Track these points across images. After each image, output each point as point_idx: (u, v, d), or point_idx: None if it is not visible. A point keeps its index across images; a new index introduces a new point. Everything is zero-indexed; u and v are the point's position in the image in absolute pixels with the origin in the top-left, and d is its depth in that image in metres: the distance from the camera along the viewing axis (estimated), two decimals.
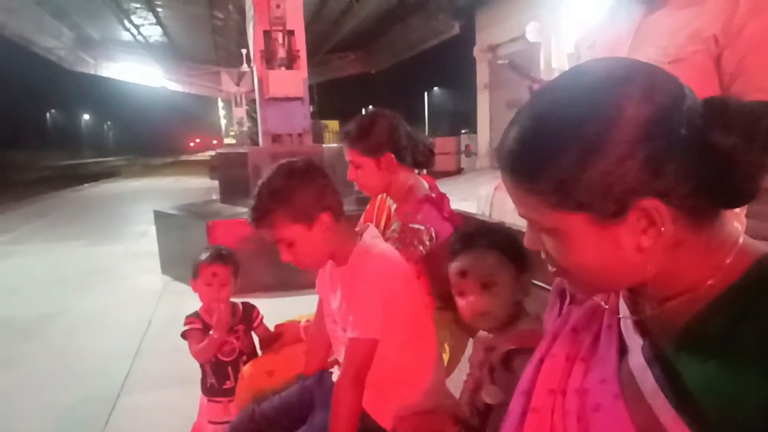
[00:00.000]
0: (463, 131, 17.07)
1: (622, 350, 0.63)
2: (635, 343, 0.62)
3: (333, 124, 20.50)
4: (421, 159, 1.75)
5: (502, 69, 13.41)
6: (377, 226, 1.76)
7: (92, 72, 18.89)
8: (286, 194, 1.26)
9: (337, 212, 1.32)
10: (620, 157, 0.53)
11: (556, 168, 0.56)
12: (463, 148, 16.18)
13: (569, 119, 0.56)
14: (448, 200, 1.77)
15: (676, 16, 1.22)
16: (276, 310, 4.10)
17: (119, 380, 2.83)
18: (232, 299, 1.90)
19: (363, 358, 1.25)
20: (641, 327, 0.63)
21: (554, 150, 0.56)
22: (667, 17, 1.24)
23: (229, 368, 1.82)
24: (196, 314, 1.88)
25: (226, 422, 1.72)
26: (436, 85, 37.60)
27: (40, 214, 10.96)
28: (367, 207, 1.94)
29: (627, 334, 0.64)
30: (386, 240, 1.62)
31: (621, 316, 0.66)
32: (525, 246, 0.66)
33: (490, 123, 14.39)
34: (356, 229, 1.44)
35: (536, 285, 1.35)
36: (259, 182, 1.29)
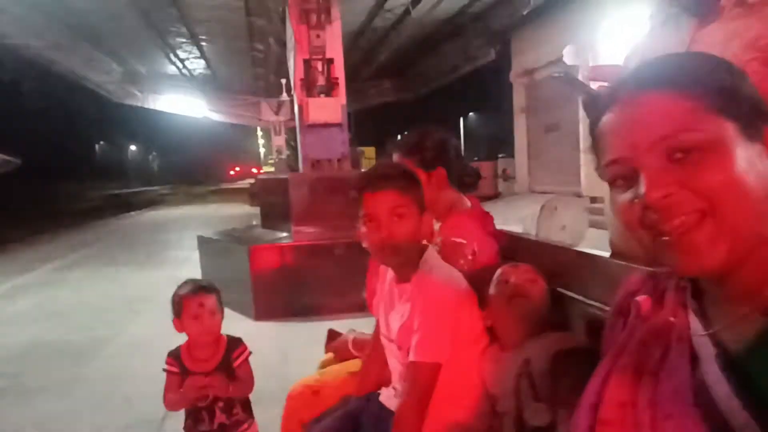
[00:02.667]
0: (499, 156, 16.98)
1: (693, 362, 0.63)
2: (707, 353, 0.62)
3: (369, 151, 20.70)
4: (468, 181, 1.74)
5: (539, 92, 13.35)
6: None
7: (139, 104, 19.67)
8: (418, 180, 1.39)
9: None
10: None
11: (719, 75, 0.61)
12: (500, 172, 16.07)
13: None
14: (492, 218, 1.75)
15: (729, 27, 1.20)
16: (316, 333, 4.12)
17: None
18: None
19: (427, 381, 1.25)
20: (713, 339, 0.63)
21: (716, 62, 0.62)
22: (720, 30, 1.22)
23: (204, 412, 1.69)
24: (176, 353, 1.73)
25: None
26: (471, 110, 37.61)
27: (88, 242, 11.38)
28: None
29: (698, 345, 0.64)
30: None
31: (692, 330, 0.66)
32: (651, 194, 0.59)
33: (527, 147, 14.26)
34: None
35: (581, 301, 1.32)
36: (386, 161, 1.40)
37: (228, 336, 1.77)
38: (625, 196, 0.64)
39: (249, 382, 1.73)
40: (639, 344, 0.70)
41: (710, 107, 0.58)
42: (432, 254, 1.41)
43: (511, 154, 15.58)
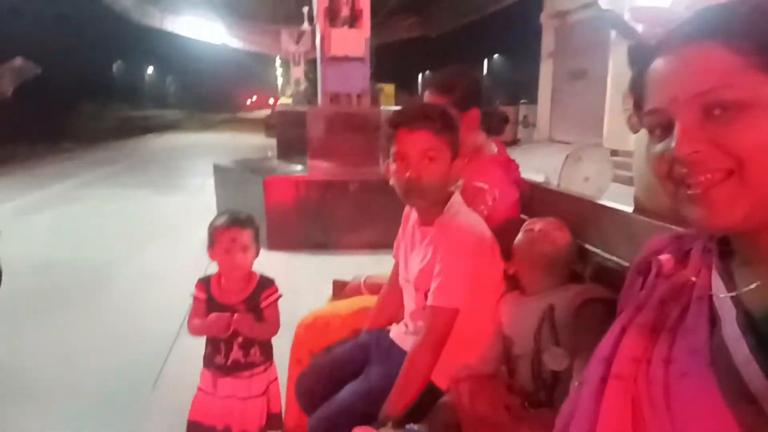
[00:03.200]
0: (522, 101, 16.56)
1: (713, 323, 0.63)
2: (728, 314, 0.61)
3: (388, 88, 20.25)
4: (496, 125, 1.69)
5: (570, 36, 12.83)
6: None
7: (157, 25, 19.28)
8: (452, 121, 1.33)
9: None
10: None
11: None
12: (521, 118, 15.73)
13: None
14: (517, 165, 1.72)
15: None
16: (327, 267, 4.19)
17: (177, 323, 2.96)
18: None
19: (444, 326, 1.26)
20: (735, 301, 0.62)
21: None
22: None
23: (222, 344, 1.67)
24: (206, 281, 1.71)
25: (213, 395, 1.67)
26: (496, 52, 36.46)
27: (105, 163, 11.48)
28: None
29: (720, 306, 0.63)
30: None
31: (714, 291, 0.65)
32: (681, 147, 0.59)
33: (551, 94, 13.89)
34: None
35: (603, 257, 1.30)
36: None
37: (261, 275, 1.72)
38: (659, 147, 0.64)
39: (274, 325, 1.68)
40: (658, 302, 0.71)
41: (757, 64, 0.56)
42: (458, 200, 1.39)
43: (533, 101, 15.21)
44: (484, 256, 1.31)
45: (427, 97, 1.65)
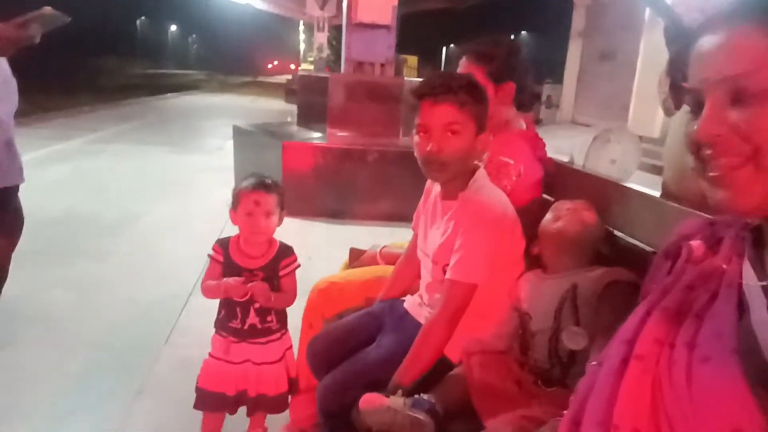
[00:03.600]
0: (546, 81, 16.25)
1: (741, 310, 0.62)
2: (758, 302, 0.61)
3: (412, 60, 19.98)
4: (525, 101, 1.65)
5: (601, 15, 12.49)
6: None
7: None
8: (479, 95, 1.30)
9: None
10: None
11: None
12: (544, 98, 15.45)
13: None
14: (543, 144, 1.69)
15: None
16: (341, 235, 4.20)
17: (191, 281, 3.00)
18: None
19: (461, 301, 1.26)
20: (765, 290, 0.62)
21: None
22: None
23: (238, 309, 1.64)
24: (224, 243, 1.67)
25: (226, 361, 1.63)
26: (523, 29, 35.69)
27: (126, 118, 11.53)
28: None
29: (749, 294, 0.63)
30: None
31: (745, 279, 0.65)
32: (703, 129, 0.61)
33: (578, 74, 13.60)
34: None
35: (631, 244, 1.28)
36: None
37: (281, 243, 1.68)
38: (692, 126, 0.64)
39: (291, 294, 1.66)
40: (685, 287, 0.70)
41: None
42: (482, 175, 1.37)
43: (558, 81, 14.91)
44: (505, 233, 1.30)
45: (463, 64, 1.61)
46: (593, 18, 13.05)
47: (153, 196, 5.15)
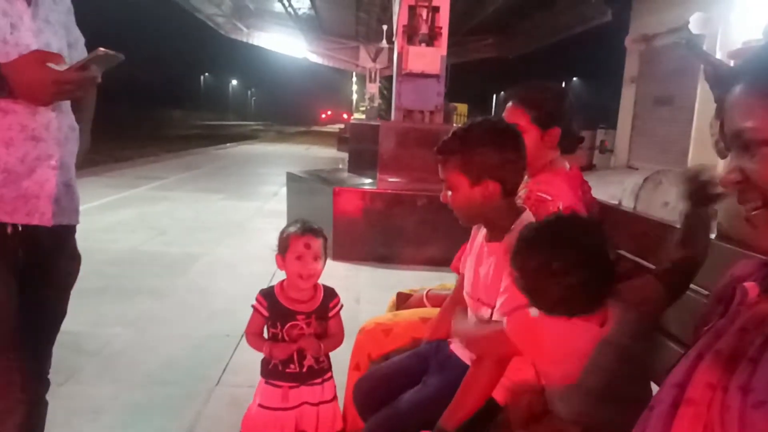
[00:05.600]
0: (600, 126, 16.03)
1: None
2: None
3: (462, 108, 20.26)
4: (567, 144, 1.66)
5: (655, 60, 12.35)
6: None
7: (244, 40, 20.30)
8: (470, 145, 1.31)
9: (507, 188, 1.33)
10: None
11: None
12: (597, 143, 15.21)
13: None
14: (589, 186, 1.67)
15: None
16: (388, 279, 4.21)
17: (244, 321, 3.05)
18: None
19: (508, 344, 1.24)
20: None
21: None
22: None
23: (295, 354, 1.62)
24: (269, 292, 1.68)
25: (281, 409, 1.62)
26: (575, 75, 35.64)
27: (188, 166, 12.14)
28: None
29: None
30: None
31: None
32: (723, 177, 0.67)
33: (632, 119, 13.37)
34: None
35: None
36: (462, 125, 1.39)
37: (324, 285, 1.71)
38: None
39: (341, 335, 1.68)
40: (739, 330, 0.68)
41: None
42: (527, 217, 1.37)
43: (611, 126, 14.69)
44: None
45: (509, 108, 1.64)
46: (646, 63, 12.90)
47: (210, 239, 5.36)
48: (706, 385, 0.65)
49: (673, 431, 0.64)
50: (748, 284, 0.71)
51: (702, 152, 10.25)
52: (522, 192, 1.58)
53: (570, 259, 1.02)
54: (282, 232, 1.67)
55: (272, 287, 1.69)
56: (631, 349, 1.05)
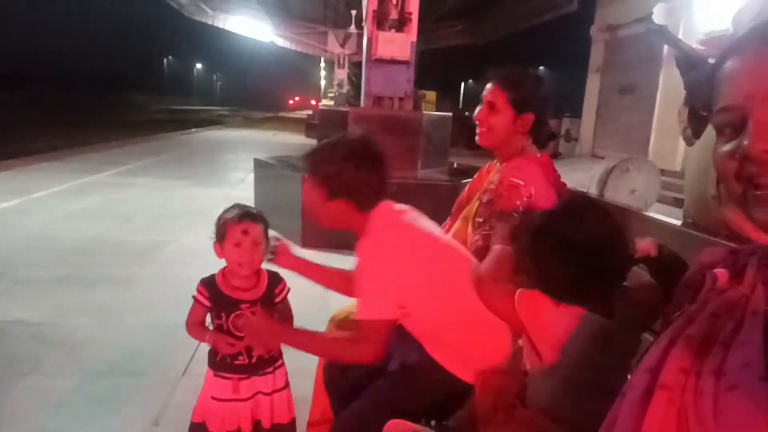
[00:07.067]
0: (565, 115, 16.30)
1: (767, 338, 0.61)
2: None
3: (431, 95, 20.23)
4: (542, 138, 1.69)
5: (620, 50, 12.59)
6: (482, 190, 1.72)
7: (209, 22, 19.78)
8: (328, 163, 1.38)
9: (362, 204, 1.40)
10: None
11: None
12: (563, 132, 15.48)
13: None
14: (558, 174, 1.70)
15: None
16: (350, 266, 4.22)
17: None
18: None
19: (368, 338, 1.33)
20: None
21: None
22: None
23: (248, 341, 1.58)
24: (210, 281, 1.61)
25: (235, 400, 1.57)
26: (542, 64, 36.04)
27: (153, 152, 11.84)
28: (475, 176, 1.90)
29: None
30: (483, 193, 1.62)
31: None
32: (756, 145, 0.60)
33: (597, 108, 13.64)
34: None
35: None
36: (328, 139, 1.43)
37: (268, 270, 1.64)
38: (728, 147, 0.64)
39: (290, 320, 1.64)
40: (710, 315, 0.69)
41: None
42: (374, 224, 1.43)
43: (576, 115, 14.96)
44: (407, 257, 1.34)
45: (489, 87, 1.66)
46: (611, 53, 13.15)
47: (177, 227, 5.26)
48: (679, 370, 0.65)
49: (648, 416, 0.64)
50: (718, 270, 0.73)
51: (662, 140, 10.55)
52: (495, 177, 1.60)
53: (589, 242, 1.00)
54: (219, 219, 1.59)
55: (213, 276, 1.62)
56: (626, 345, 1.06)
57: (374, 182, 1.40)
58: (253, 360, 1.59)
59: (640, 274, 1.14)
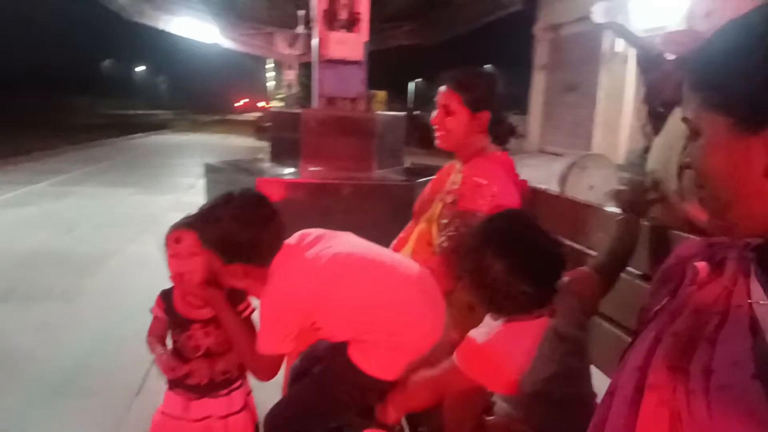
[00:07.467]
0: (514, 112, 16.67)
1: (754, 332, 0.60)
2: None
3: (381, 95, 20.26)
4: (500, 134, 1.70)
5: (563, 49, 12.96)
6: (444, 191, 1.72)
7: (151, 24, 19.11)
8: (219, 228, 1.31)
9: (261, 262, 1.35)
10: None
11: (717, 69, 0.61)
12: None
13: (748, 33, 0.59)
14: (516, 173, 1.72)
15: None
16: None
17: None
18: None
19: (265, 368, 1.39)
20: None
21: (721, 54, 0.61)
22: None
23: (204, 363, 1.49)
24: (168, 294, 1.52)
25: (184, 419, 1.49)
26: (489, 63, 36.79)
27: (94, 159, 11.35)
28: (435, 177, 1.90)
29: (762, 315, 0.61)
30: (447, 193, 1.63)
31: (754, 299, 0.63)
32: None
33: (543, 105, 14.00)
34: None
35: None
36: (216, 199, 1.37)
37: (229, 289, 1.48)
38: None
39: (253, 341, 1.44)
40: (694, 311, 0.68)
41: (706, 103, 0.62)
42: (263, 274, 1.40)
43: (522, 112, 15.32)
44: (307, 288, 1.34)
45: (443, 91, 1.66)
46: (555, 52, 13.53)
47: (124, 236, 5.05)
48: (667, 368, 0.64)
49: (639, 420, 0.63)
50: (699, 264, 0.72)
51: (605, 136, 10.94)
52: (457, 178, 1.60)
53: (518, 254, 1.04)
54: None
55: (173, 288, 1.52)
56: (575, 338, 1.07)
57: (269, 239, 1.35)
58: (204, 381, 1.50)
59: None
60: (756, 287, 0.64)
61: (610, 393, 0.69)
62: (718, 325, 0.64)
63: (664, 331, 0.68)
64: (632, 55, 10.76)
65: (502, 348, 1.06)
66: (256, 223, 1.32)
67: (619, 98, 10.57)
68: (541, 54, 14.06)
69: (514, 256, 1.04)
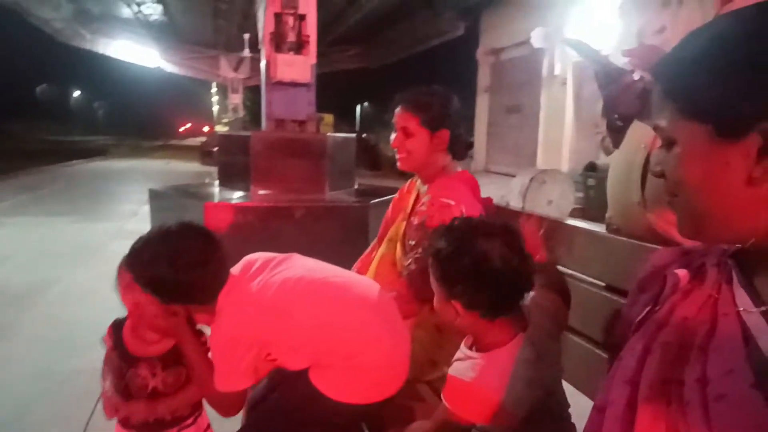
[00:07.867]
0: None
1: (745, 340, 0.59)
2: (763, 329, 0.58)
3: (328, 117, 20.32)
4: (458, 150, 1.71)
5: (504, 72, 13.44)
6: (407, 210, 1.72)
7: (88, 47, 18.52)
8: (154, 271, 1.21)
9: (202, 301, 1.29)
10: (752, 79, 0.55)
11: (693, 76, 0.60)
12: None
13: (721, 38, 0.59)
14: (479, 188, 1.74)
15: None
16: None
17: None
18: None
19: (224, 404, 1.35)
20: (766, 316, 0.59)
21: (695, 61, 0.60)
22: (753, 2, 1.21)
23: (142, 404, 1.38)
24: (118, 325, 1.43)
25: None
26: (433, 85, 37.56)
27: (31, 187, 10.78)
28: (395, 197, 1.90)
29: (750, 320, 0.60)
30: (414, 215, 1.61)
31: (740, 306, 0.62)
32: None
33: (487, 126, 14.41)
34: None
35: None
36: (153, 234, 1.25)
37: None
38: (663, 159, 0.68)
39: (209, 381, 1.34)
40: (681, 319, 0.66)
41: (681, 111, 0.62)
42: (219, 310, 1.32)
43: (468, 134, 15.69)
44: (257, 323, 1.29)
45: (399, 113, 1.65)
46: (497, 75, 14.00)
47: (61, 266, 4.79)
48: (661, 381, 0.62)
49: None
50: (679, 271, 0.71)
51: (548, 155, 11.35)
52: (425, 198, 1.60)
53: (495, 252, 1.00)
54: None
55: (125, 318, 1.42)
56: (552, 351, 1.07)
57: (210, 279, 1.27)
58: (152, 420, 1.39)
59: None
60: (741, 294, 0.63)
61: (599, 409, 0.67)
62: (707, 333, 0.62)
63: (653, 342, 0.66)
64: (571, 77, 11.32)
65: (494, 382, 1.01)
66: (195, 264, 1.21)
67: (560, 119, 11.03)
68: (483, 77, 14.52)
69: (502, 235, 1.02)
